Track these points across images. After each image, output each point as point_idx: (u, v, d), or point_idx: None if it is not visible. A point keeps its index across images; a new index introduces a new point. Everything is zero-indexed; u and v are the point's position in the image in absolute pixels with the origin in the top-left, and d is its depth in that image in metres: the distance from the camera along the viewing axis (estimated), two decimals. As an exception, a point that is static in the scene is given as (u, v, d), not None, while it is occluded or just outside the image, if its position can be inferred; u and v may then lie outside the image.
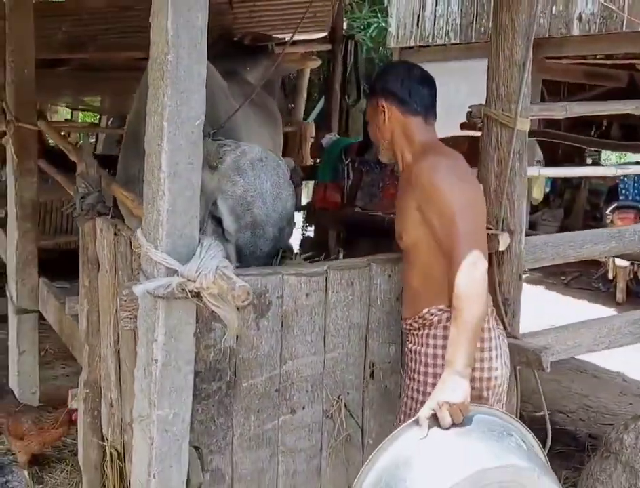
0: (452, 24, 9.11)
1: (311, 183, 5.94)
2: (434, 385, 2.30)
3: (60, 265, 4.58)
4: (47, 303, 3.85)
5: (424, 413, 2.17)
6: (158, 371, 2.22)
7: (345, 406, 2.70)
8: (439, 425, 2.15)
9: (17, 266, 3.99)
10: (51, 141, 6.55)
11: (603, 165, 10.81)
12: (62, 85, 7.54)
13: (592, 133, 11.31)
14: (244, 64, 4.92)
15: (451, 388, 2.18)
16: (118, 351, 2.74)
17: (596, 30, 7.22)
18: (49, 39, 5.64)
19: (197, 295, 2.18)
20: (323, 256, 2.89)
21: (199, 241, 2.22)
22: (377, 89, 2.62)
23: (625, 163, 10.01)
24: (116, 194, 2.88)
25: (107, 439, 2.89)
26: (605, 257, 7.42)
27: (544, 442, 2.40)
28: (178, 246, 2.18)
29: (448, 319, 2.37)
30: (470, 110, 2.87)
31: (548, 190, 10.27)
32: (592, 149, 10.57)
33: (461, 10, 8.97)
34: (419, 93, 2.55)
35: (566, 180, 10.60)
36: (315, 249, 4.82)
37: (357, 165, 5.06)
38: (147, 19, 2.17)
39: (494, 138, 2.78)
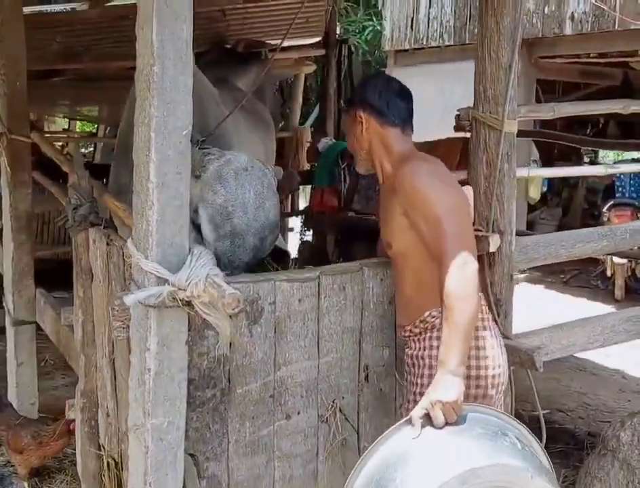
0: (446, 26, 9.14)
1: (309, 187, 5.95)
2: None
3: (58, 275, 4.59)
4: (44, 314, 3.84)
5: (417, 412, 2.17)
6: (152, 380, 2.23)
7: (340, 410, 2.71)
8: (433, 425, 2.14)
9: (13, 278, 3.98)
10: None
11: (600, 163, 10.83)
12: (58, 96, 7.59)
13: (589, 131, 11.34)
14: (235, 71, 4.93)
15: (444, 387, 2.18)
16: (114, 361, 2.75)
17: (589, 29, 7.25)
18: (43, 50, 5.67)
19: (189, 303, 2.19)
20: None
21: (189, 250, 2.23)
22: (355, 100, 2.67)
23: (618, 162, 10.03)
24: (107, 204, 2.89)
25: (104, 448, 2.90)
26: (603, 255, 7.43)
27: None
28: (168, 255, 2.20)
29: None
30: (458, 113, 2.89)
31: (545, 189, 10.28)
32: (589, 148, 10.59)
33: (454, 12, 9.01)
34: (396, 106, 2.60)
35: (563, 179, 10.62)
36: (313, 253, 4.85)
37: (353, 169, 5.00)
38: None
39: (482, 140, 2.79)
